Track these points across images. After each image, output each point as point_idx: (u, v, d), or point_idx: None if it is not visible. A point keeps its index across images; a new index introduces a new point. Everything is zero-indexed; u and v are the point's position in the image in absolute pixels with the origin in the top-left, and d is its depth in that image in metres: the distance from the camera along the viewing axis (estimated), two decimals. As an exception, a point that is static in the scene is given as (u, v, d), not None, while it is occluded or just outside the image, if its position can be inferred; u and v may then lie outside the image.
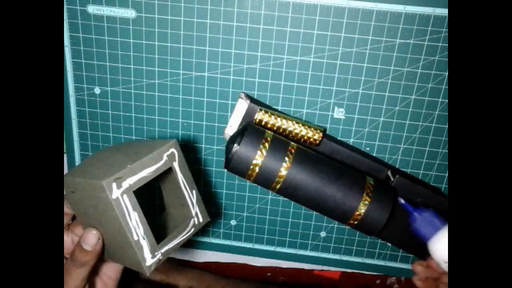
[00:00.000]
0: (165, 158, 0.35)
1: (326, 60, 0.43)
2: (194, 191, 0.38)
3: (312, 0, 0.41)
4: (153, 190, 0.51)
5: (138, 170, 0.34)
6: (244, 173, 0.38)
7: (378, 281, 0.55)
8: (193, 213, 0.38)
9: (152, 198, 0.51)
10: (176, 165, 0.36)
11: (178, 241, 0.36)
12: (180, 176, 0.37)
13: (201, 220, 0.39)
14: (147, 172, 0.34)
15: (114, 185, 0.32)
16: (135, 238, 0.33)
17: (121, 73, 0.46)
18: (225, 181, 0.49)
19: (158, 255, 0.35)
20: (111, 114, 0.48)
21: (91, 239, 0.34)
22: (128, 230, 0.33)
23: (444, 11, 0.40)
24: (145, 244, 0.34)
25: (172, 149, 0.36)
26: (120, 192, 0.32)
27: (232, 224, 0.52)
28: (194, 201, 0.38)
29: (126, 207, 0.33)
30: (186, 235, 0.37)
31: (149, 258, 0.34)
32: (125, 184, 0.33)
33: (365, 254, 0.51)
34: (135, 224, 0.33)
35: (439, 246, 0.37)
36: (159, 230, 0.41)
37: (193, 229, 0.38)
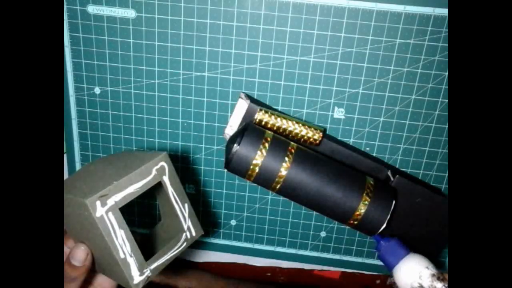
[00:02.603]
0: (154, 172, 0.34)
1: (326, 60, 0.43)
2: (186, 205, 0.37)
3: (312, 0, 0.41)
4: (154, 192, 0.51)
5: (125, 186, 0.32)
6: (244, 173, 0.38)
7: (378, 281, 0.55)
8: (185, 227, 0.37)
9: (152, 199, 0.51)
10: (166, 179, 0.35)
11: (169, 257, 0.35)
12: (170, 190, 0.36)
13: (193, 234, 0.37)
14: (134, 188, 0.33)
15: (98, 203, 0.31)
16: (122, 256, 0.32)
17: (121, 73, 0.46)
18: (225, 181, 0.49)
19: (147, 272, 0.33)
20: (111, 114, 0.48)
21: (80, 255, 0.34)
22: (113, 248, 0.32)
23: (444, 11, 0.40)
24: (132, 262, 0.32)
25: (162, 163, 0.35)
26: (105, 210, 0.31)
27: (232, 224, 0.52)
28: (186, 215, 0.37)
29: (112, 225, 0.32)
30: (177, 250, 0.36)
31: (136, 276, 0.33)
32: (110, 201, 0.32)
33: (365, 254, 0.51)
34: (121, 242, 0.32)
35: (402, 273, 0.39)
36: (152, 241, 0.40)
37: (185, 244, 0.37)
